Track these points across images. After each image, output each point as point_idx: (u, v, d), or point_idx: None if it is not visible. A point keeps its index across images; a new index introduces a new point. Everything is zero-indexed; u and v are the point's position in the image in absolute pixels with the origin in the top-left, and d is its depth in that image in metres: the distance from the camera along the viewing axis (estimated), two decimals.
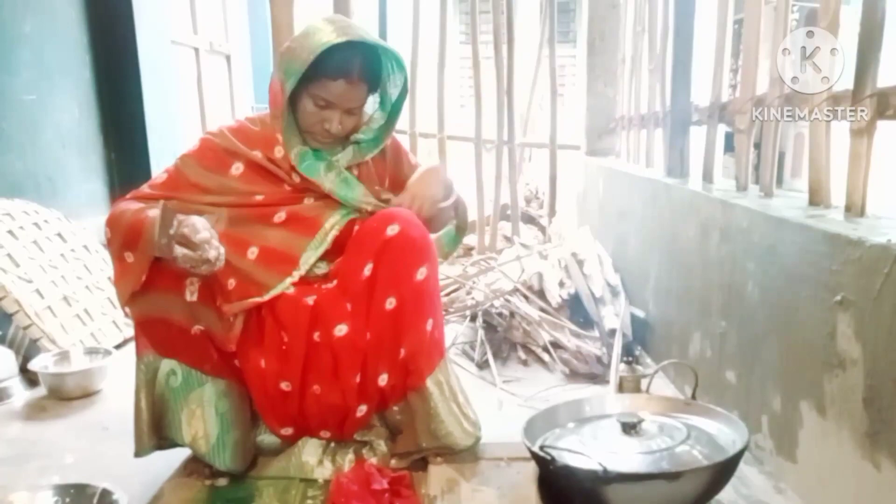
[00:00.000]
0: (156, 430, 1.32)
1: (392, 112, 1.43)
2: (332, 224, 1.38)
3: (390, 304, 1.29)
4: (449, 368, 1.37)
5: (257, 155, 1.36)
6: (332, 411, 1.34)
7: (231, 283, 1.30)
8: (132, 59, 3.24)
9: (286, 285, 1.32)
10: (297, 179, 1.37)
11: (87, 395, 1.88)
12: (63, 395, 1.87)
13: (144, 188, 1.36)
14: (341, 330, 1.30)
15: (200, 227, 1.17)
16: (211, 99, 4.50)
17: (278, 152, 1.36)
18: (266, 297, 1.31)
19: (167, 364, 1.30)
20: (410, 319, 1.30)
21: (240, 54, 5.27)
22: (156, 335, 1.30)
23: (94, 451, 1.55)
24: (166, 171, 1.37)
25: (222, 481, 1.34)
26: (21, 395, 1.91)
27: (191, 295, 1.27)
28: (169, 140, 3.59)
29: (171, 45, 3.74)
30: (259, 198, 1.36)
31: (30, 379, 1.95)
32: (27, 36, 2.68)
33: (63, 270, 2.26)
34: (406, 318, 1.30)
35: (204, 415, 1.30)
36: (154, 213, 1.20)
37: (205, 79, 4.40)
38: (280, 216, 1.36)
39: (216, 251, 1.17)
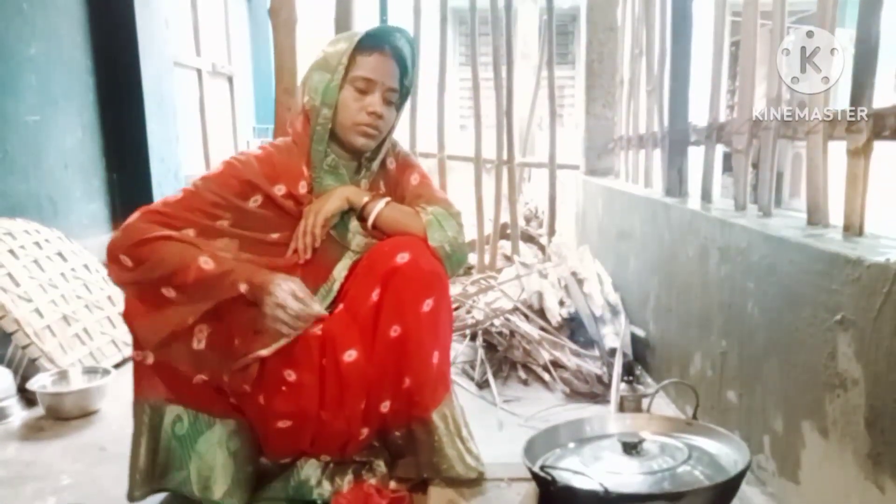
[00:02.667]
0: (152, 476, 1.29)
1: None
2: (340, 270, 1.36)
3: (395, 332, 1.27)
4: (454, 402, 1.37)
5: (279, 190, 1.32)
6: (335, 437, 1.32)
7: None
8: (135, 82, 3.29)
9: (290, 337, 1.26)
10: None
11: (85, 415, 1.87)
12: (61, 415, 1.86)
13: (157, 205, 1.29)
14: (350, 356, 1.28)
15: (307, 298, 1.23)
16: (213, 120, 4.54)
17: (302, 188, 1.33)
18: (270, 350, 1.24)
19: (172, 410, 1.26)
20: (415, 350, 1.28)
21: (242, 76, 5.33)
22: (165, 380, 1.26)
23: (92, 472, 1.53)
24: (183, 191, 1.31)
25: None
26: (18, 415, 1.90)
27: (198, 343, 1.23)
28: (171, 161, 3.62)
29: (174, 66, 3.79)
30: (274, 236, 1.33)
31: (28, 399, 1.94)
32: (32, 59, 2.71)
33: (63, 290, 2.26)
34: (410, 348, 1.28)
35: (216, 459, 1.27)
36: (207, 264, 1.20)
37: (207, 100, 4.45)
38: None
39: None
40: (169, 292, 1.21)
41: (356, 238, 1.36)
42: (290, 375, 1.28)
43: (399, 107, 1.39)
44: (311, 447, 1.34)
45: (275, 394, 1.28)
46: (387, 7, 5.38)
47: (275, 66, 2.74)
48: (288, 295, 1.19)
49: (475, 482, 1.35)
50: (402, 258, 1.27)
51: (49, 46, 2.83)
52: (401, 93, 1.37)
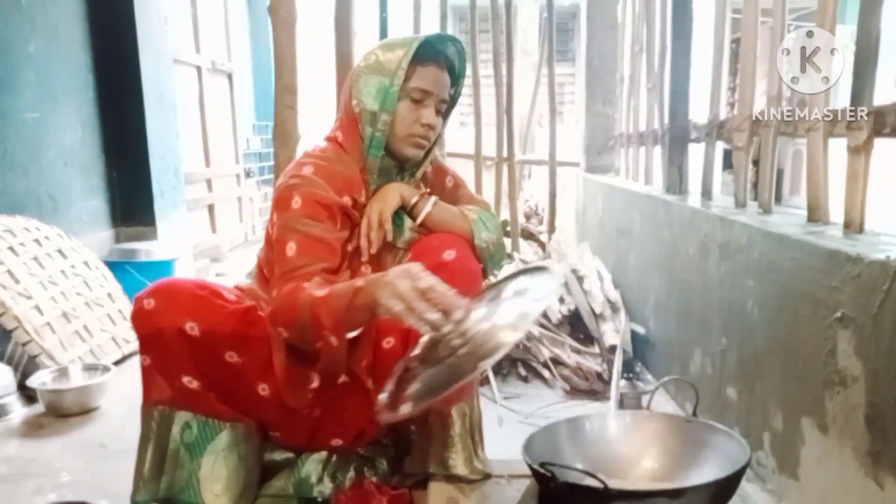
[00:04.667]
0: (157, 483, 1.26)
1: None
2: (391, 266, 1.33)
3: None
4: (475, 402, 1.37)
5: (347, 201, 1.27)
6: (354, 423, 1.33)
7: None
8: (134, 79, 3.28)
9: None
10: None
11: (85, 411, 1.88)
12: (61, 412, 1.86)
13: (293, 272, 1.18)
14: (389, 342, 1.27)
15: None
16: (213, 117, 4.53)
17: (363, 196, 1.30)
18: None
19: (182, 416, 1.24)
20: None
21: (242, 73, 5.32)
22: (172, 385, 1.23)
23: (92, 469, 1.54)
24: (294, 241, 1.20)
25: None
26: (19, 411, 1.90)
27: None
28: (170, 158, 3.62)
29: (174, 63, 3.78)
30: (350, 248, 1.30)
31: (28, 395, 1.94)
32: (31, 56, 2.71)
33: (63, 287, 2.26)
34: None
35: (226, 465, 1.26)
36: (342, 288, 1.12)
37: (207, 97, 4.44)
38: (366, 269, 1.31)
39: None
40: (334, 340, 1.15)
41: (405, 234, 1.34)
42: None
43: (446, 115, 1.36)
44: (327, 432, 1.34)
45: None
46: (387, 4, 5.37)
47: (274, 64, 2.72)
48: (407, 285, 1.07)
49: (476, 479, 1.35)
50: (449, 255, 1.27)
51: (48, 43, 2.82)
52: (448, 102, 1.33)
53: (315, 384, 1.23)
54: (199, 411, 1.25)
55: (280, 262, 1.22)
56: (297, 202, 1.22)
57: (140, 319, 1.21)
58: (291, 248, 1.20)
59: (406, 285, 1.05)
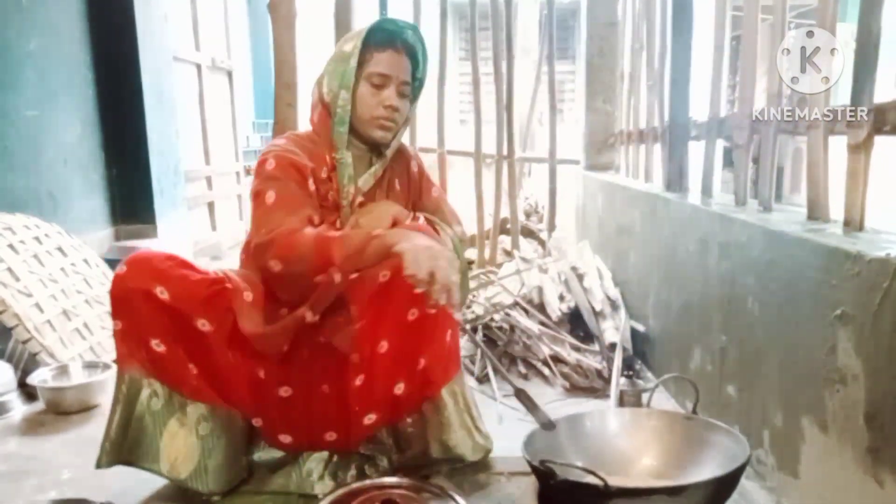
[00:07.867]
0: (121, 448, 1.30)
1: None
2: None
3: (412, 315, 1.30)
4: (464, 380, 1.39)
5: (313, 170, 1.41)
6: (335, 413, 1.34)
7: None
8: (134, 76, 3.28)
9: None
10: (331, 197, 1.42)
11: (85, 409, 1.88)
12: (61, 410, 1.86)
13: (275, 221, 1.28)
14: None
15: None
16: (213, 114, 4.53)
17: (324, 172, 1.41)
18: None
19: (150, 384, 1.28)
20: (432, 330, 1.32)
21: (242, 70, 5.32)
22: (136, 350, 1.29)
23: (92, 466, 1.53)
24: (274, 191, 1.31)
25: (218, 497, 1.33)
26: (19, 409, 1.90)
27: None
28: (170, 156, 3.61)
29: (174, 61, 3.78)
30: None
31: (28, 393, 1.94)
32: (31, 54, 2.71)
33: (63, 284, 2.26)
34: (427, 329, 1.31)
35: (185, 439, 1.29)
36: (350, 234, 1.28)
37: (206, 95, 4.43)
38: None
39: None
40: (337, 277, 1.27)
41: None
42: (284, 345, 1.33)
43: (413, 99, 1.48)
44: (315, 425, 1.36)
45: (270, 361, 1.33)
46: (387, 2, 5.37)
47: (274, 61, 2.73)
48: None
49: (475, 474, 1.35)
50: None
51: (48, 41, 2.82)
52: (414, 85, 1.46)
53: (310, 319, 1.30)
54: (165, 381, 1.29)
55: (260, 211, 1.30)
56: (271, 164, 1.35)
57: (113, 285, 1.29)
58: (271, 197, 1.31)
59: (428, 262, 1.15)
